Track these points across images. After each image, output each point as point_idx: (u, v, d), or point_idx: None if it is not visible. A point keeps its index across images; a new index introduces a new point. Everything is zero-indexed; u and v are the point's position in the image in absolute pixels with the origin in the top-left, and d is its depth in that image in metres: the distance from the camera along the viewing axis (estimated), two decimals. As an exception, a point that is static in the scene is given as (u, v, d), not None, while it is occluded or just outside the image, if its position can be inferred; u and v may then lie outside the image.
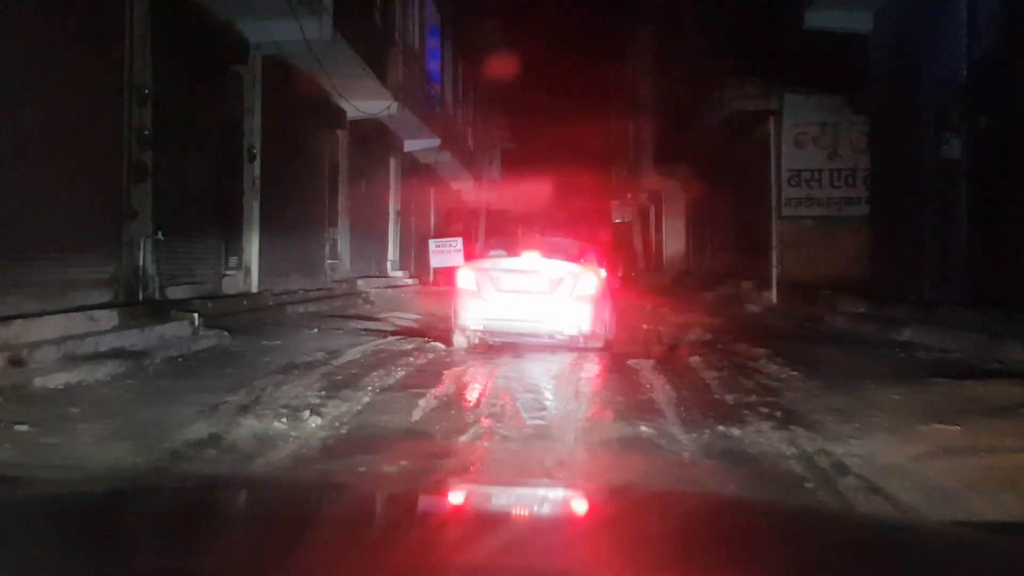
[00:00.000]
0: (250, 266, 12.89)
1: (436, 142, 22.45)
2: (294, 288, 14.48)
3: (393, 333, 11.98)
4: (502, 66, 37.06)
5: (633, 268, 38.28)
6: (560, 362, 8.91)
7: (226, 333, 9.86)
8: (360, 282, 18.04)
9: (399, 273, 22.08)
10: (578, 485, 3.78)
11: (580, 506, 1.85)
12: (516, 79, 42.49)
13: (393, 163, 22.43)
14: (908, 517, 3.65)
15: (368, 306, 16.74)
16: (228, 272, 12.37)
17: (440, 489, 2.19)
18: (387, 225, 22.21)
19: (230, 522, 1.63)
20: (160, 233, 10.06)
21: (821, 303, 15.80)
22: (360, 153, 19.02)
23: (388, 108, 17.18)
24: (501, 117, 41.38)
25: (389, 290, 18.64)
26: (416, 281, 22.63)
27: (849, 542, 1.52)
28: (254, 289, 12.90)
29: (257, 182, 12.97)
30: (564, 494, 2.19)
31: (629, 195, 38.26)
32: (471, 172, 32.07)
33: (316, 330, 11.26)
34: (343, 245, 18.02)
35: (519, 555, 1.30)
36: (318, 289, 15.64)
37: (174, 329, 9.38)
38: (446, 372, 8.13)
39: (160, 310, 9.71)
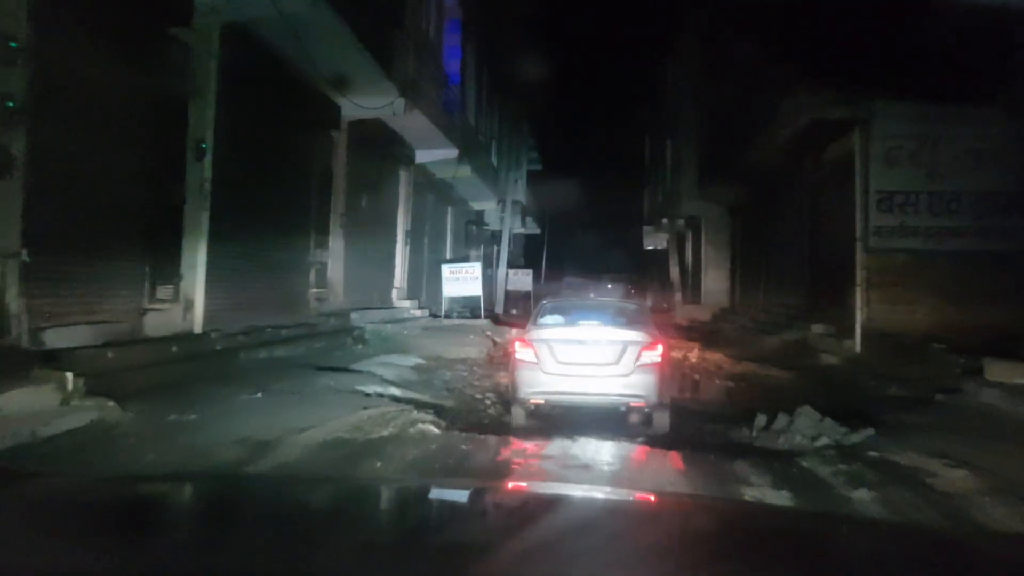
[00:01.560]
0: (193, 298, 9.54)
1: (453, 153, 19.14)
2: (262, 325, 11.14)
3: (374, 397, 8.58)
4: (532, 78, 33.90)
5: (669, 300, 34.74)
6: (623, 475, 5.48)
7: (113, 403, 6.51)
8: (355, 315, 14.68)
9: (406, 303, 18.71)
10: (609, 490, 3.22)
11: (610, 511, 1.83)
12: (546, 93, 39.50)
13: (404, 176, 19.14)
14: (936, 527, 3.39)
15: (359, 347, 13.37)
16: (157, 306, 9.03)
17: (474, 490, 2.15)
18: (395, 247, 18.87)
19: (260, 520, 1.60)
20: (27, 252, 6.74)
21: (932, 361, 12.29)
22: (362, 160, 15.74)
23: (392, 105, 13.88)
24: (528, 134, 38.20)
25: (389, 325, 15.26)
26: (426, 313, 19.26)
27: (877, 549, 1.53)
28: (197, 329, 9.55)
29: (208, 186, 9.65)
30: (594, 498, 2.10)
31: (664, 220, 34.74)
32: (494, 191, 28.79)
33: (260, 394, 7.85)
34: (335, 270, 14.69)
35: (544, 561, 1.32)
36: (296, 325, 12.28)
37: (25, 399, 6.04)
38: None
39: (16, 367, 6.38)
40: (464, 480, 3.47)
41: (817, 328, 16.50)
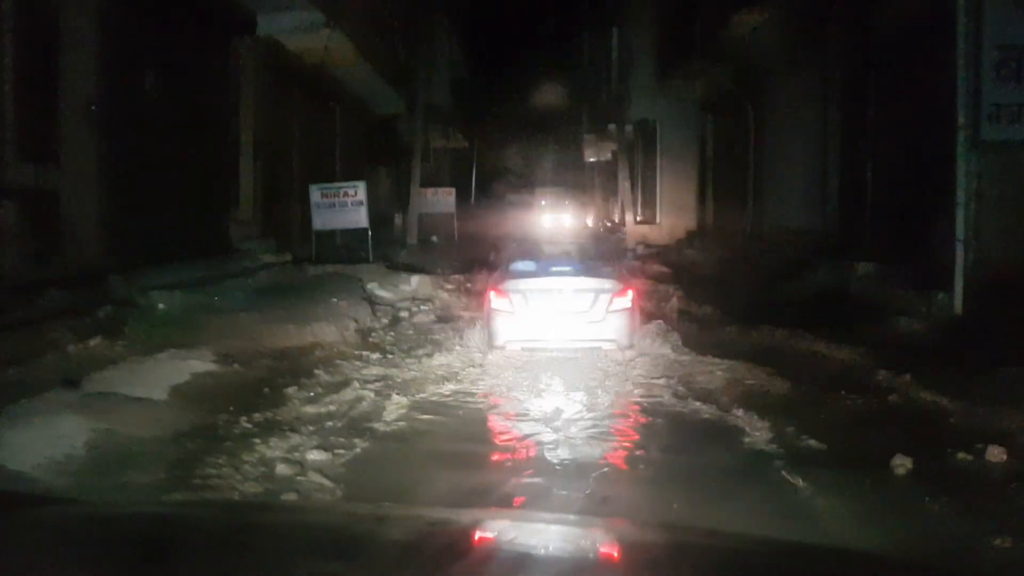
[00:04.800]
0: None
1: (315, 17, 12.29)
2: None
3: None
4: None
5: (617, 220, 28.55)
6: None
7: None
8: (117, 278, 8.09)
9: (255, 245, 12.15)
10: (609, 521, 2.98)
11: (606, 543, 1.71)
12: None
13: (245, 55, 12.37)
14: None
15: (95, 342, 6.87)
16: None
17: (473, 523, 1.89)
18: (233, 162, 12.18)
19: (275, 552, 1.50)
20: None
21: None
22: (144, 17, 8.96)
23: None
24: (450, 32, 31.06)
25: (179, 294, 8.59)
26: (288, 258, 12.73)
27: None
28: None
29: None
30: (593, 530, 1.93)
31: (611, 126, 28.16)
32: (403, 95, 21.89)
33: None
34: (78, 201, 8.06)
35: None
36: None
37: None
38: None
39: None
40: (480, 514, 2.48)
41: (865, 267, 10.50)
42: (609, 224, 28.44)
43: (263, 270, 11.27)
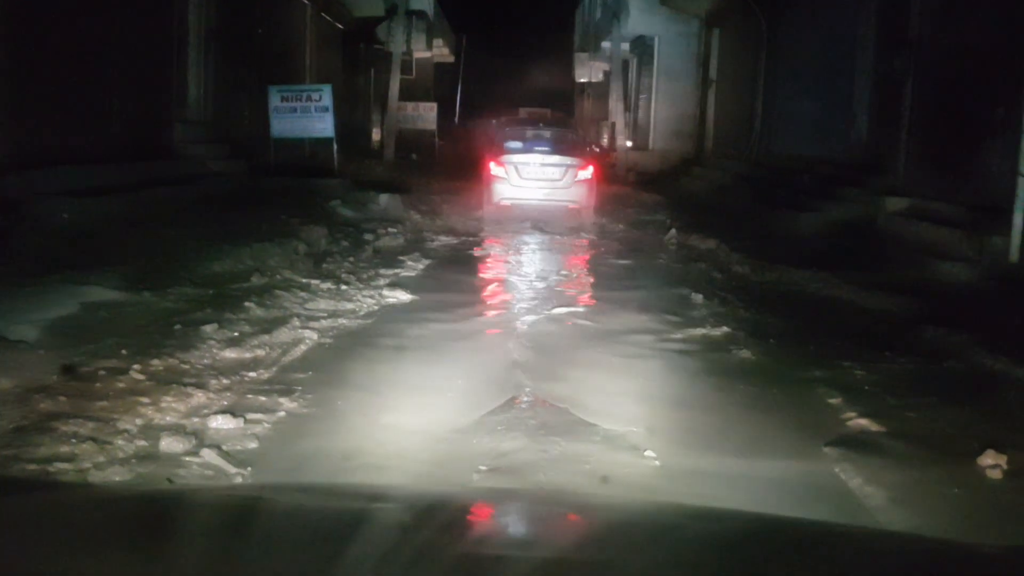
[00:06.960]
0: None
1: None
2: None
3: None
4: None
5: (606, 144, 26.91)
6: None
7: None
8: (12, 177, 6.58)
9: (203, 149, 10.58)
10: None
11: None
12: None
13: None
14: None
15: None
16: None
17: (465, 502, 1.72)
18: (182, 55, 10.52)
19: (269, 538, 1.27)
20: None
21: None
22: None
23: None
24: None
25: (92, 200, 7.08)
26: (244, 167, 11.18)
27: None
28: None
29: None
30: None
31: (605, 44, 26.26)
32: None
33: None
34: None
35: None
36: None
37: None
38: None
39: None
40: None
41: (896, 203, 9.15)
42: (598, 149, 26.79)
43: (208, 178, 9.76)
